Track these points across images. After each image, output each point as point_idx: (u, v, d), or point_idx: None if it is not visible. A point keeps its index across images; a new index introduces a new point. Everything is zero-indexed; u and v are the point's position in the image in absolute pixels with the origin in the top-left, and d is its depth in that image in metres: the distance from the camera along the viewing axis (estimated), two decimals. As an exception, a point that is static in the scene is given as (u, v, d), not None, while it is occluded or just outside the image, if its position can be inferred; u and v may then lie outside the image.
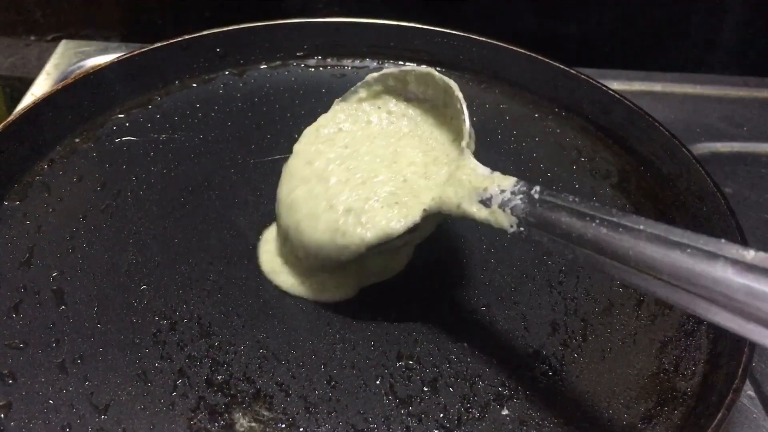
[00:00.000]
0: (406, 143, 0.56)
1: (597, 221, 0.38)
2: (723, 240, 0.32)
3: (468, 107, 0.77)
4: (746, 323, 0.30)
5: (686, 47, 1.01)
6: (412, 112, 0.58)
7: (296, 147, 0.59)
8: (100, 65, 0.74)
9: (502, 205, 0.44)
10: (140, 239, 0.61)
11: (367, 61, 0.83)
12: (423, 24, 0.81)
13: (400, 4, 0.94)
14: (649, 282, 0.34)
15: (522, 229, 0.42)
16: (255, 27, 0.80)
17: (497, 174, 0.46)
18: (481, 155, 0.70)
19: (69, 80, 0.71)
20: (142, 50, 0.76)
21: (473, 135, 0.51)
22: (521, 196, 0.43)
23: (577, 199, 0.40)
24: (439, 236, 0.60)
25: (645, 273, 0.34)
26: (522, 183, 0.44)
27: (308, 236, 0.53)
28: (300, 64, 0.82)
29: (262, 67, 0.81)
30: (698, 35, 1.00)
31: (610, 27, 1.00)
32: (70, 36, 1.06)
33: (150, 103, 0.75)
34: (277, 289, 0.58)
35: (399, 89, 0.58)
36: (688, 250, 0.33)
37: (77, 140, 0.70)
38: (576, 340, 0.55)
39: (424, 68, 0.56)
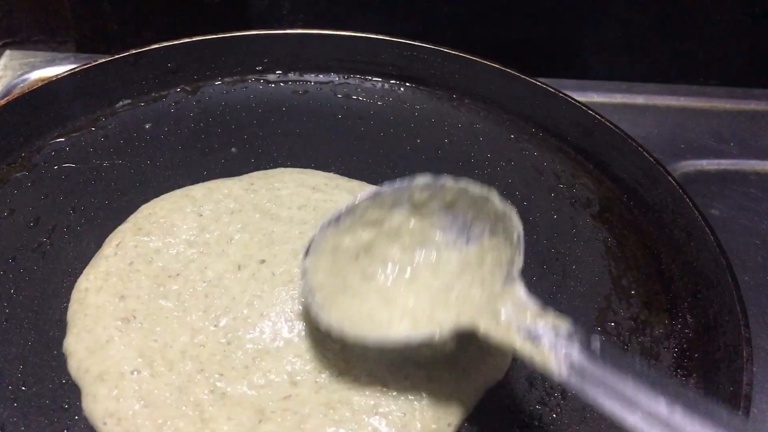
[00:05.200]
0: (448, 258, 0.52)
1: (660, 399, 0.36)
2: None
3: (438, 126, 0.73)
4: None
5: (670, 57, 0.96)
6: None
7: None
8: (38, 83, 0.68)
9: (553, 348, 0.40)
10: (75, 283, 0.55)
11: (332, 76, 0.77)
12: (391, 36, 0.76)
13: (368, 15, 0.88)
14: None
15: (572, 379, 0.39)
16: (210, 39, 0.75)
17: (551, 312, 0.42)
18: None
19: (2, 102, 0.65)
20: (86, 66, 0.70)
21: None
22: (578, 345, 0.40)
23: (639, 364, 0.40)
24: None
25: None
26: (578, 329, 0.41)
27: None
28: (259, 80, 0.76)
29: (218, 83, 0.75)
30: (682, 44, 0.95)
31: (590, 36, 0.95)
32: (22, 42, 0.99)
33: (94, 125, 0.69)
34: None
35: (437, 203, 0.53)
36: None
37: (10, 168, 0.64)
38: (554, 397, 0.50)
39: (482, 190, 0.50)
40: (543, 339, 0.41)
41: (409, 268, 0.52)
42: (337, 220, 0.51)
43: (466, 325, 0.45)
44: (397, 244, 0.52)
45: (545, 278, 0.58)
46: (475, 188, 0.50)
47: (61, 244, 0.58)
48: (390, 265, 0.52)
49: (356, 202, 0.52)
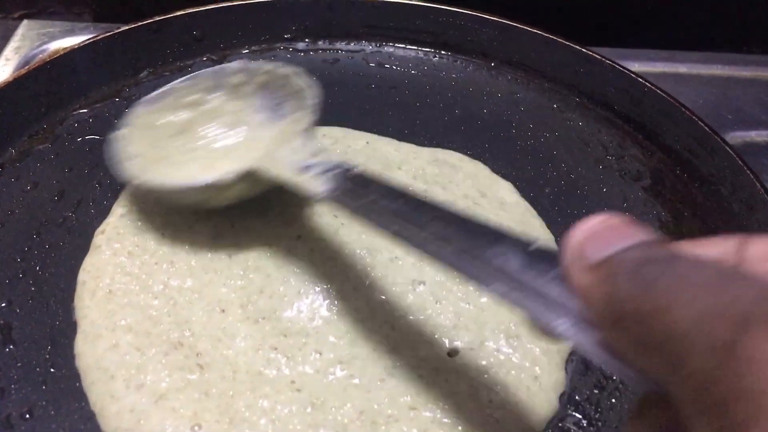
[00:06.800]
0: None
1: (401, 198, 0.40)
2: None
3: (477, 96, 0.69)
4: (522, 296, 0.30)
5: (714, 24, 0.92)
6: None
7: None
8: (59, 52, 0.65)
9: (318, 175, 0.46)
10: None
11: (363, 44, 0.74)
12: (426, 1, 0.72)
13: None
14: (440, 251, 0.35)
15: (328, 196, 0.44)
16: (236, 6, 0.71)
17: (326, 152, 0.48)
18: (493, 152, 0.63)
19: (23, 71, 0.62)
20: (108, 34, 0.67)
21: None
22: (340, 171, 0.45)
23: (387, 182, 0.42)
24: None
25: (438, 241, 0.36)
26: (347, 163, 0.46)
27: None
28: (288, 48, 0.73)
29: (245, 51, 0.72)
30: (728, 10, 0.91)
31: (629, 2, 0.91)
32: (39, 13, 0.96)
33: (117, 95, 0.66)
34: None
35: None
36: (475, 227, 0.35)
37: (32, 140, 0.61)
38: (612, 380, 0.47)
39: (286, 69, 0.56)
40: (312, 170, 0.46)
41: (227, 142, 0.56)
42: (152, 99, 0.56)
43: (250, 166, 0.49)
44: (215, 123, 0.57)
45: (597, 254, 0.55)
46: (281, 68, 0.56)
47: (86, 219, 0.55)
48: (208, 139, 0.56)
49: (172, 85, 0.57)
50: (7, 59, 0.81)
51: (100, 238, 0.53)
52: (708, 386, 0.22)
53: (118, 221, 0.54)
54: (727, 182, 0.58)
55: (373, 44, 0.74)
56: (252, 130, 0.56)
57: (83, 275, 0.51)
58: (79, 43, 0.66)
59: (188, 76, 0.57)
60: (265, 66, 0.57)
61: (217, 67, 0.58)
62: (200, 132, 0.57)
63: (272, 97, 0.56)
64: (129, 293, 0.49)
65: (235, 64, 0.58)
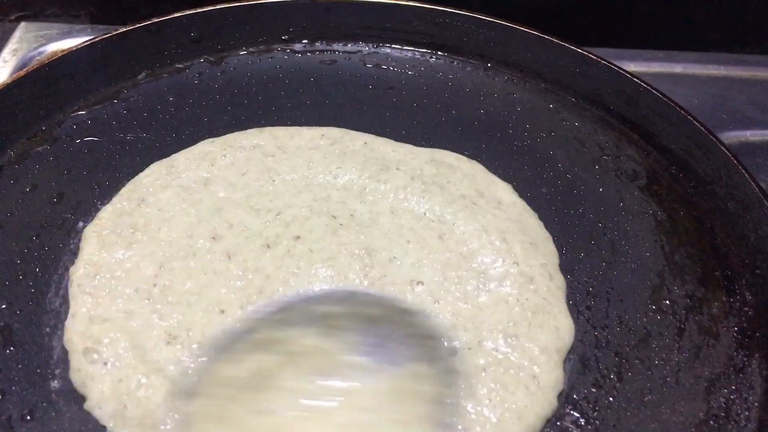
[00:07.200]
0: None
1: None
2: None
3: (473, 97, 0.70)
4: None
5: (710, 23, 0.92)
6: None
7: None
8: (57, 54, 0.65)
9: None
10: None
11: (360, 45, 0.74)
12: (422, 3, 0.72)
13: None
14: None
15: None
16: (234, 7, 0.71)
17: None
18: (490, 152, 0.63)
19: (21, 73, 0.63)
20: (106, 36, 0.67)
21: None
22: None
23: None
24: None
25: None
26: None
27: None
28: (285, 49, 0.73)
29: (242, 53, 0.72)
30: (724, 10, 0.91)
31: (625, 2, 0.91)
32: (36, 15, 0.96)
33: (116, 97, 0.66)
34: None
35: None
36: None
37: (31, 142, 0.61)
38: (610, 379, 0.47)
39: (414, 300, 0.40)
40: None
41: (317, 402, 0.41)
42: (223, 347, 0.41)
43: None
44: (301, 370, 0.42)
45: (594, 254, 0.55)
46: (405, 302, 0.39)
47: (86, 220, 0.55)
48: (291, 396, 0.41)
49: (248, 322, 0.41)
50: (5, 61, 0.81)
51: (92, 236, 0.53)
52: None
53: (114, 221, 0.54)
54: (723, 182, 0.58)
55: (370, 45, 0.74)
56: (355, 381, 0.40)
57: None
58: (77, 45, 0.66)
59: (268, 306, 0.41)
60: (373, 294, 0.40)
61: (309, 292, 0.40)
62: (280, 384, 0.41)
63: (384, 335, 0.41)
64: (131, 300, 0.49)
65: (333, 290, 0.40)
